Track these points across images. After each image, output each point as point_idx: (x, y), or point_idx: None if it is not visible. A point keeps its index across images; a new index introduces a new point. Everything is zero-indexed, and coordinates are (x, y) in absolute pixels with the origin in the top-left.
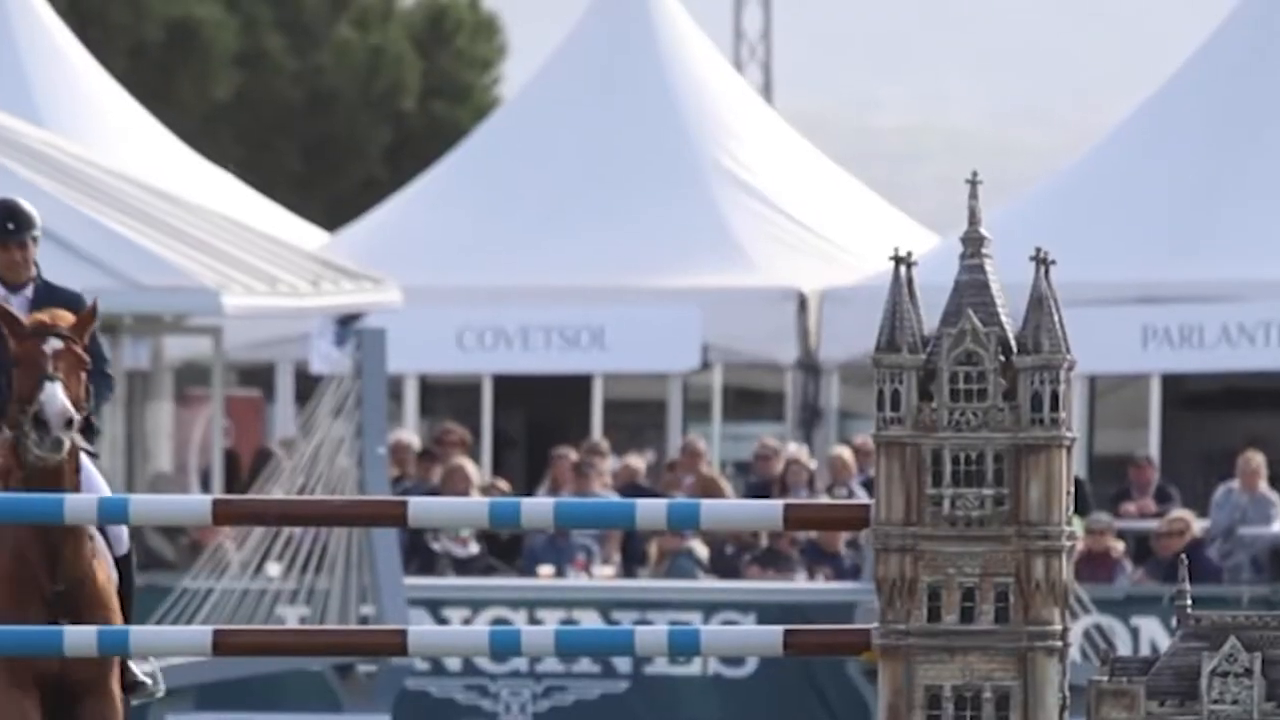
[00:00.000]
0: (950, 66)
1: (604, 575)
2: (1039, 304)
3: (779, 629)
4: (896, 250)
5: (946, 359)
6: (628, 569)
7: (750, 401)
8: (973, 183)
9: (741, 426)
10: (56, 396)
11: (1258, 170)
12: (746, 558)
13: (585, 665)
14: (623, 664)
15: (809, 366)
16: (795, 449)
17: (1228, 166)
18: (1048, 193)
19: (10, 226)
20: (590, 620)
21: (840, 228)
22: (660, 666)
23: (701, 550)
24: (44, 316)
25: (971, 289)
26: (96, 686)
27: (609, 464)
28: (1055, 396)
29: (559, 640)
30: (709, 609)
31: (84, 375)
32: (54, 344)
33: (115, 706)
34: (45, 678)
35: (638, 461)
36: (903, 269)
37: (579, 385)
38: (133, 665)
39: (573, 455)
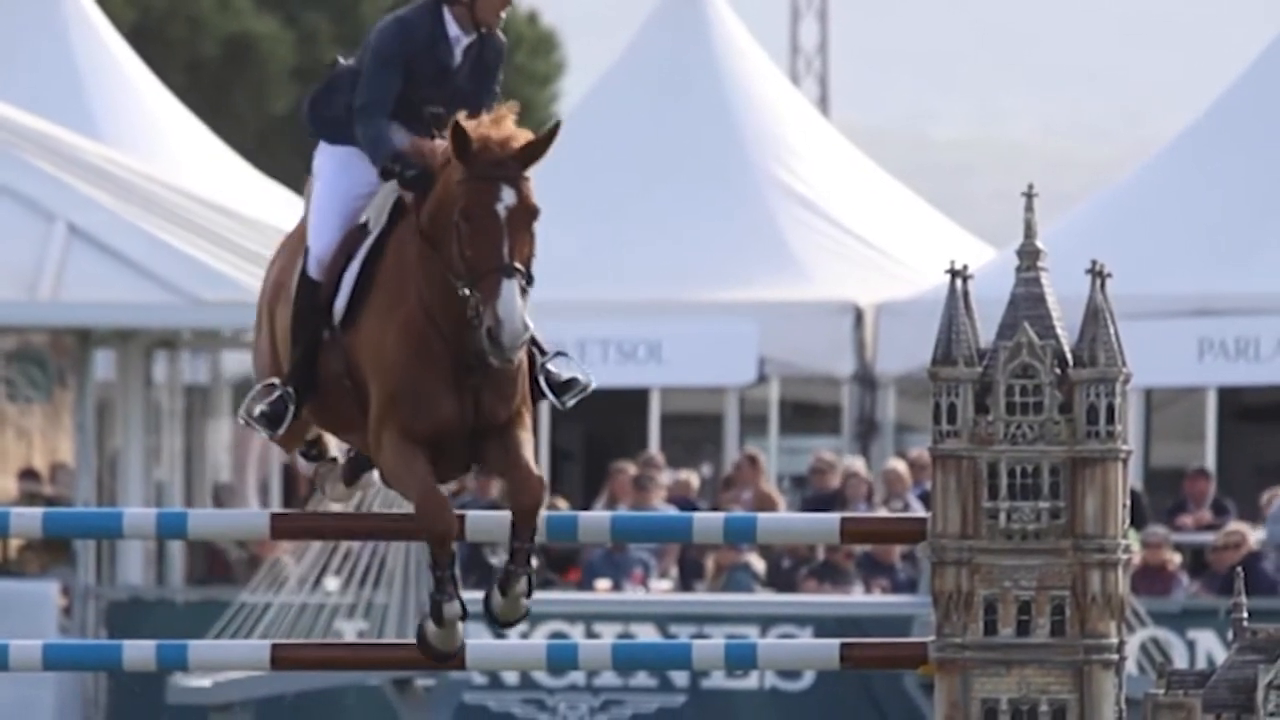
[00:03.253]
0: (1005, 82)
1: (661, 589)
2: (1095, 317)
3: (836, 642)
4: (952, 263)
5: (1003, 372)
6: (685, 583)
7: (807, 415)
8: (1028, 196)
9: (798, 440)
10: (515, 311)
11: None
12: (803, 571)
13: (642, 679)
14: (680, 678)
15: (865, 380)
16: (852, 462)
17: (1278, 182)
18: (1102, 206)
19: None
20: (647, 634)
21: (896, 241)
22: (717, 680)
23: (758, 564)
24: (492, 132)
25: (1027, 302)
26: (511, 423)
27: (666, 478)
28: (1111, 409)
29: (616, 654)
30: (766, 623)
31: (534, 226)
32: (507, 196)
33: (527, 435)
34: (451, 432)
35: (692, 476)
36: (959, 282)
37: (636, 399)
38: (552, 367)
39: (630, 469)
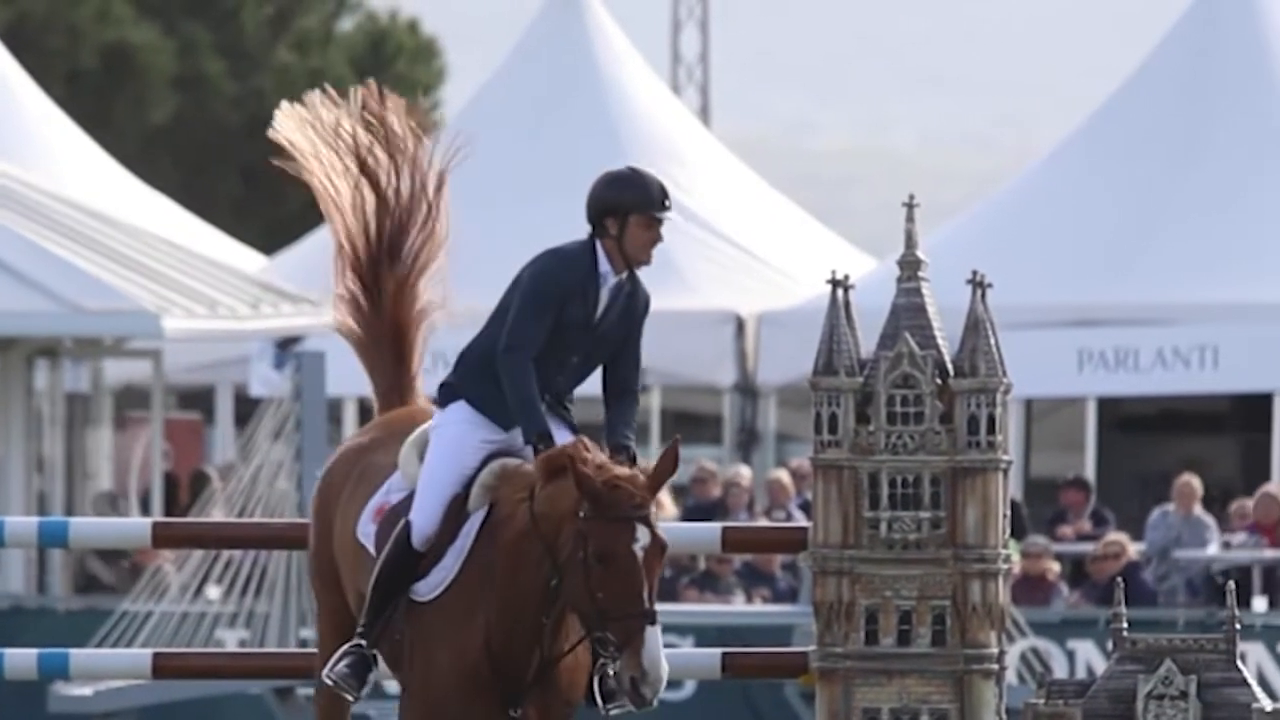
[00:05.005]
0: (886, 92)
1: None
2: (975, 327)
3: (717, 651)
4: (834, 274)
5: (883, 382)
6: None
7: (688, 424)
8: (909, 206)
9: (683, 450)
10: (659, 661)
11: (1191, 194)
12: (684, 580)
13: None
14: None
15: (747, 389)
16: (735, 471)
17: (1161, 190)
18: (983, 217)
19: (666, 203)
20: None
21: (778, 251)
22: None
23: None
24: (623, 481)
25: (908, 312)
26: None
27: None
28: (991, 419)
29: None
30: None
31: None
32: (642, 535)
33: None
34: None
35: None
36: (840, 292)
37: None
38: (609, 671)
39: None
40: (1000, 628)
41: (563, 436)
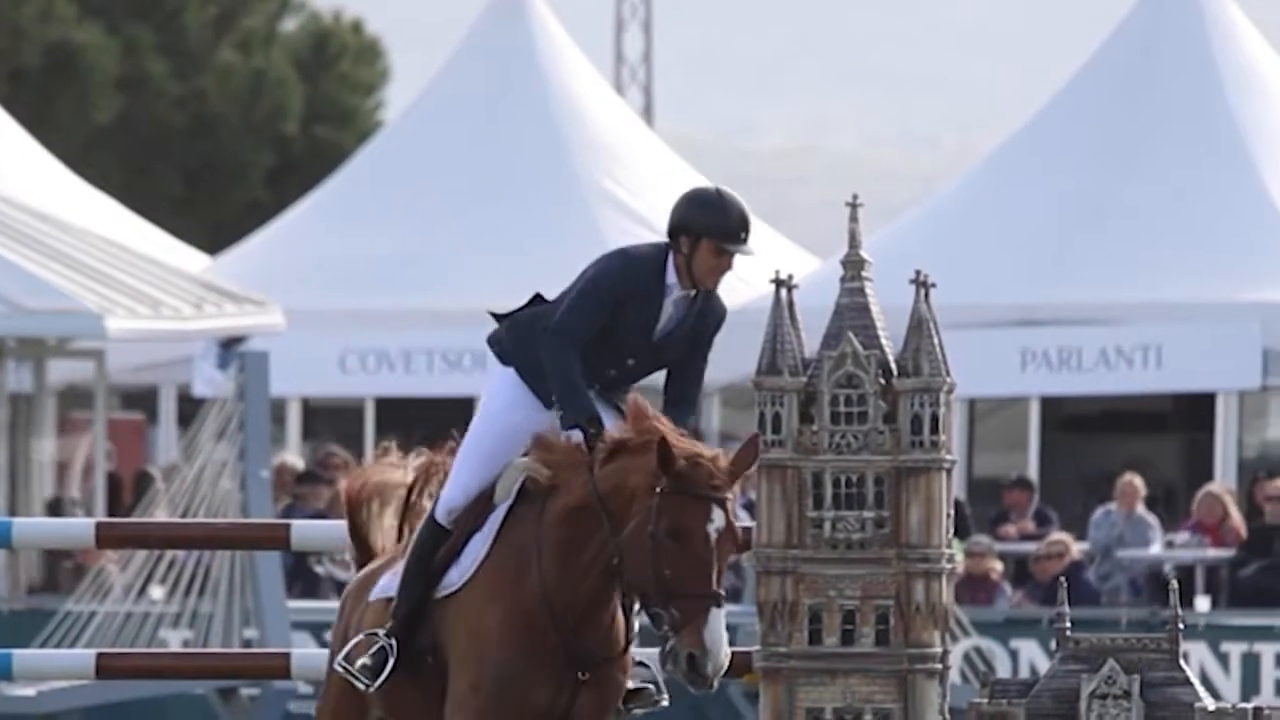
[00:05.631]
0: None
1: None
2: (919, 327)
3: (654, 651)
4: (777, 273)
5: (827, 382)
6: None
7: None
8: (853, 206)
9: None
10: (721, 643)
11: (1133, 194)
12: None
13: None
14: None
15: None
16: None
17: (1104, 190)
18: (927, 216)
19: (743, 235)
20: None
21: None
22: None
23: None
24: (705, 461)
25: (852, 312)
26: None
27: None
28: (935, 419)
29: None
30: None
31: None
32: (717, 518)
33: None
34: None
35: None
36: (783, 292)
37: (462, 408)
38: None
39: None
40: (944, 627)
41: (609, 422)
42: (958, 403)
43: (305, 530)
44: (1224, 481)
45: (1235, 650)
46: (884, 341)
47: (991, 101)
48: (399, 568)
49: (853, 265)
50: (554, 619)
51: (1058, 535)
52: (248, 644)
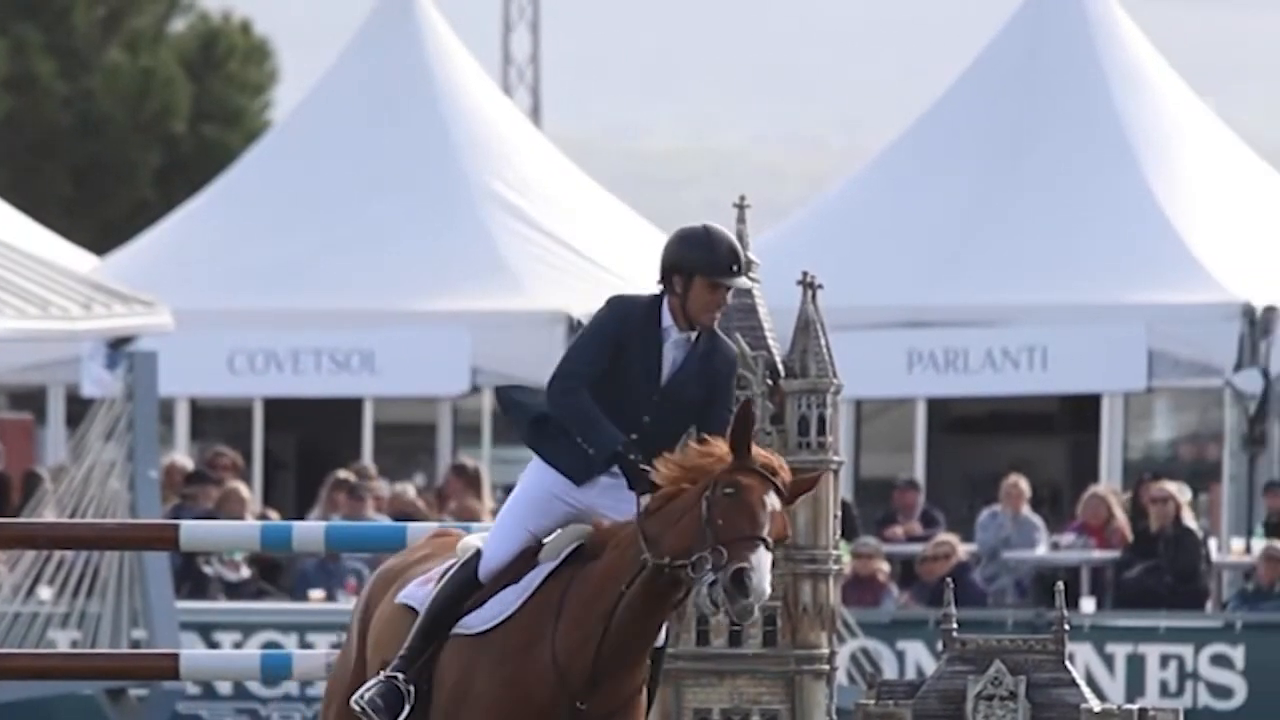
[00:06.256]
0: (717, 92)
1: None
2: (806, 328)
3: None
4: None
5: None
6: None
7: None
8: (740, 207)
9: (511, 450)
10: (767, 572)
11: (1020, 195)
12: None
13: None
14: None
15: None
16: None
17: (991, 192)
18: (814, 217)
19: (735, 269)
20: None
21: (609, 251)
22: None
23: None
24: (775, 461)
25: (739, 313)
26: None
27: (380, 487)
28: (822, 420)
29: (330, 664)
30: None
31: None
32: (772, 500)
33: None
34: None
35: (409, 487)
36: None
37: (350, 408)
38: None
39: (344, 479)
40: (831, 628)
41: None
42: (844, 404)
43: (194, 531)
44: (1109, 483)
45: (1120, 652)
46: (771, 342)
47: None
48: (431, 574)
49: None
50: (561, 682)
51: (944, 536)
52: (136, 644)
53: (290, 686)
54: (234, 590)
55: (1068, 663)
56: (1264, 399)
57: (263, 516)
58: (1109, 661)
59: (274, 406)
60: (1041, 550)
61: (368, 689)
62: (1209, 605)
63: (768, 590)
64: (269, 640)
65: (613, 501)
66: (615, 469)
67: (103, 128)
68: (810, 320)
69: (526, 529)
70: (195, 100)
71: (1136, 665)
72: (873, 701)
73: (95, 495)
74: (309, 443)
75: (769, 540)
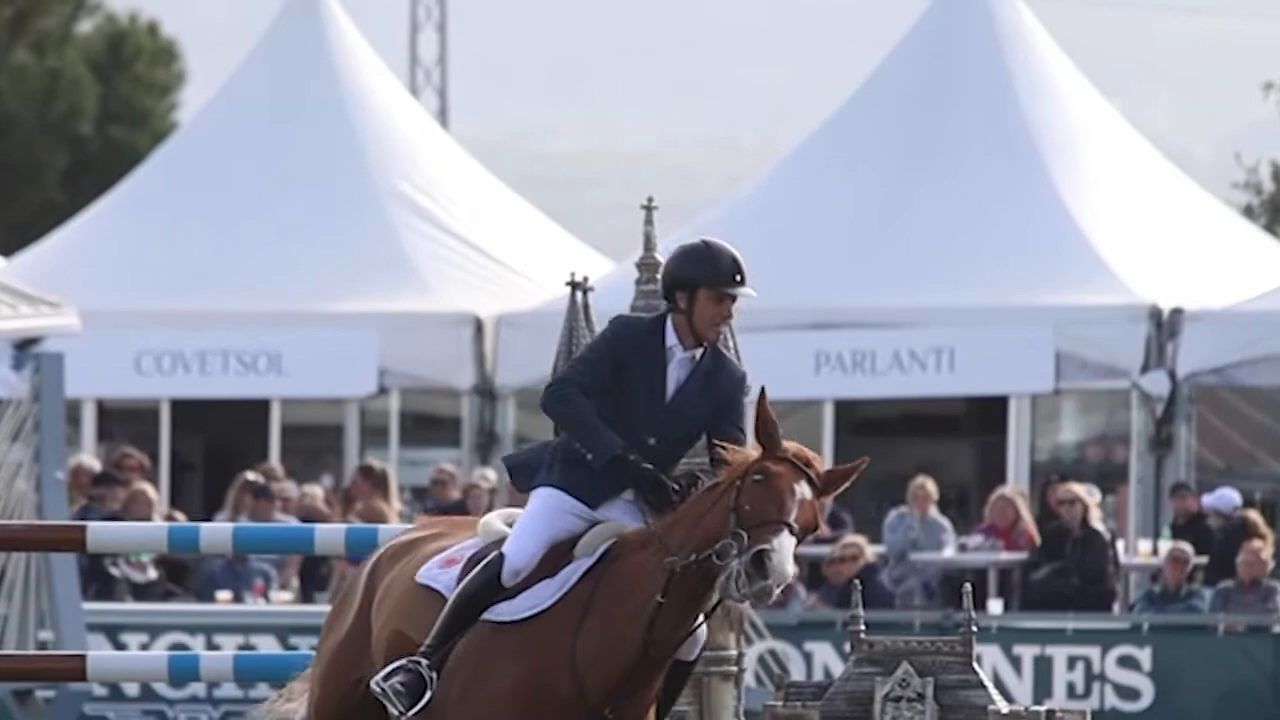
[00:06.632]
0: (625, 94)
1: (282, 601)
2: None
3: None
4: (573, 275)
5: None
6: (306, 594)
7: (427, 427)
8: (647, 209)
9: (418, 452)
10: (788, 555)
11: (929, 198)
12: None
13: (263, 691)
14: None
15: (485, 391)
16: (478, 473)
17: (898, 194)
18: (722, 219)
19: (738, 278)
20: (268, 646)
21: (516, 253)
22: None
23: None
24: (808, 453)
25: (647, 314)
26: None
27: (288, 489)
28: None
29: (237, 666)
30: None
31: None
32: (802, 490)
33: None
34: None
35: (316, 488)
36: (579, 294)
37: (257, 410)
38: None
39: (252, 479)
40: (739, 630)
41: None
42: (753, 406)
43: (101, 532)
44: (1016, 485)
45: (1027, 653)
46: None
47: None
48: (452, 554)
49: (648, 268)
50: (578, 681)
51: (852, 538)
52: (43, 646)
53: (197, 688)
54: (141, 592)
55: (975, 664)
56: (1171, 401)
57: (170, 518)
58: (1016, 663)
59: (181, 408)
60: (949, 552)
61: (390, 672)
62: (1116, 607)
63: (789, 573)
64: (176, 642)
65: (632, 521)
66: (628, 494)
67: (9, 128)
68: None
69: (551, 531)
70: (102, 101)
71: (1044, 667)
72: (781, 703)
73: (1, 496)
74: (216, 444)
75: (794, 526)
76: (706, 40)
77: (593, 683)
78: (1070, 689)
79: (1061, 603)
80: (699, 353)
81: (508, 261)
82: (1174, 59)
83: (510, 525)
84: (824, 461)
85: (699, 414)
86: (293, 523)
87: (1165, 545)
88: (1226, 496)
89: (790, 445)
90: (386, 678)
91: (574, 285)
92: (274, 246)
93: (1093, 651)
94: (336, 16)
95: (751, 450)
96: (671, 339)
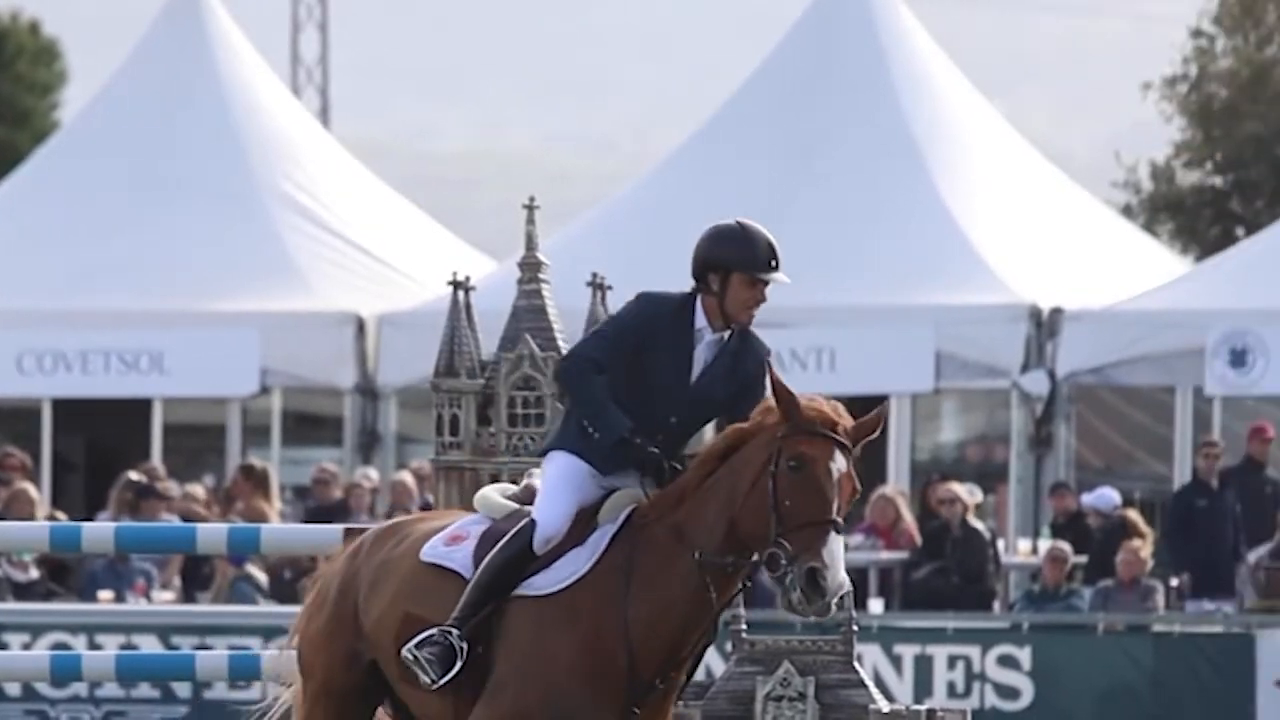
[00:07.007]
0: (506, 94)
1: (164, 600)
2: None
3: None
4: (455, 275)
5: (505, 384)
6: (188, 594)
7: (309, 426)
8: (529, 208)
9: (300, 451)
10: (840, 562)
11: (808, 197)
12: (305, 582)
13: (145, 690)
14: (183, 689)
15: (367, 391)
16: (361, 473)
17: (778, 194)
18: (604, 219)
19: (774, 264)
20: (150, 645)
21: (398, 253)
22: (220, 692)
23: (261, 575)
24: (828, 409)
25: (529, 314)
26: None
27: (170, 488)
28: None
29: (119, 665)
30: (269, 633)
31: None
32: (840, 461)
33: None
34: None
35: (198, 488)
36: (460, 294)
37: (139, 409)
38: None
39: (135, 479)
40: None
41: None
42: None
43: None
44: (897, 484)
45: (908, 652)
46: (561, 343)
47: (667, 104)
48: (456, 532)
49: (530, 267)
50: (629, 653)
51: None
52: None
53: (79, 687)
54: (22, 591)
55: (856, 663)
56: (1050, 400)
57: (51, 518)
58: (897, 662)
59: (63, 407)
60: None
61: (420, 642)
62: (996, 606)
63: (845, 581)
64: (58, 641)
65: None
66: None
67: None
68: (599, 321)
69: (576, 499)
70: None
71: (924, 666)
72: None
73: None
74: (98, 443)
75: (840, 522)
76: (587, 40)
77: (643, 651)
78: (950, 688)
79: (942, 602)
80: (726, 334)
81: (389, 261)
82: (1054, 60)
83: (508, 499)
84: (845, 412)
85: (721, 395)
86: (175, 522)
87: (1045, 544)
88: (1106, 496)
89: (813, 409)
90: (419, 646)
91: (456, 285)
92: (156, 246)
93: (973, 651)
94: (218, 16)
95: (767, 415)
96: (701, 320)
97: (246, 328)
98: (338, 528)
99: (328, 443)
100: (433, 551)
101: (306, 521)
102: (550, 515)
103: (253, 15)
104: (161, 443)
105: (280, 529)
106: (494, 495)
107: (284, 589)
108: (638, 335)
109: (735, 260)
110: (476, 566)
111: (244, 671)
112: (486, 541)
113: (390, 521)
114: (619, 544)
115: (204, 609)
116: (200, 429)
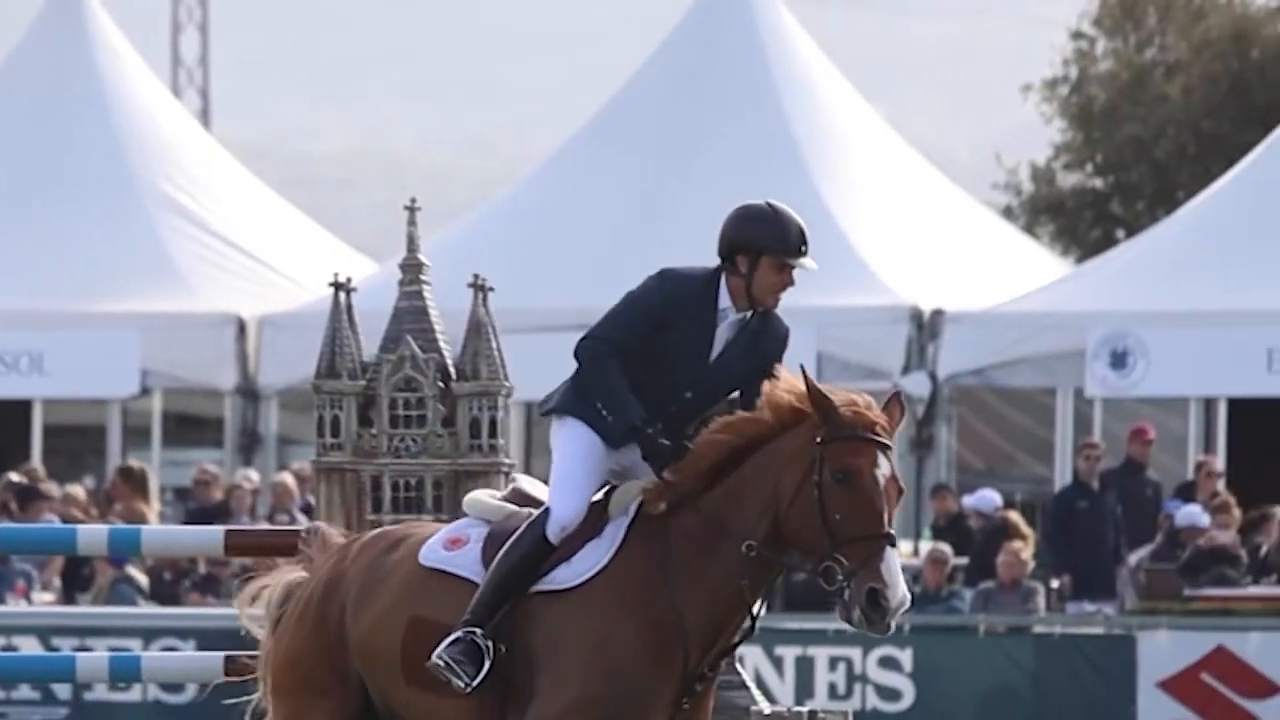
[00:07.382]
0: (385, 95)
1: (44, 601)
2: (477, 330)
3: (219, 655)
4: (335, 276)
5: (386, 385)
6: (68, 595)
7: (190, 427)
8: (410, 210)
9: (181, 452)
10: (899, 578)
11: (689, 199)
12: (185, 584)
13: (25, 692)
14: (63, 690)
15: (248, 392)
16: (241, 474)
17: (660, 194)
18: (485, 220)
19: (803, 249)
20: (30, 647)
21: (279, 254)
22: (100, 693)
23: (141, 577)
24: (862, 407)
25: (410, 315)
26: None
27: (50, 489)
28: (494, 423)
29: None
30: (149, 635)
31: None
32: (884, 467)
33: None
34: None
35: (79, 489)
36: (341, 295)
37: (19, 410)
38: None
39: (16, 480)
40: None
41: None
42: (516, 406)
43: None
44: None
45: (789, 654)
46: (443, 345)
47: (548, 106)
48: (451, 536)
49: (411, 269)
50: (683, 639)
51: None
52: None
53: None
54: None
55: (737, 665)
56: (931, 402)
57: None
58: (778, 663)
59: None
60: None
61: (446, 646)
62: None
63: (905, 596)
64: None
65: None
66: None
67: None
68: (481, 323)
69: (591, 485)
70: None
71: (805, 667)
72: None
73: None
74: None
75: (893, 534)
76: (467, 41)
77: (696, 637)
78: (832, 689)
79: (823, 604)
80: (749, 314)
81: (270, 262)
82: (935, 62)
83: (499, 500)
84: (876, 406)
85: (740, 374)
86: (55, 524)
87: (926, 546)
88: (987, 497)
89: (850, 411)
90: (444, 651)
91: (337, 286)
92: (35, 247)
93: (854, 652)
94: (98, 16)
95: (794, 401)
96: (725, 301)
97: (127, 329)
98: (218, 529)
99: (208, 444)
100: (433, 556)
101: (187, 523)
102: (565, 504)
103: (133, 16)
104: (42, 444)
105: (161, 530)
106: (486, 498)
107: (164, 590)
108: (661, 314)
109: (766, 243)
110: (486, 568)
111: (124, 673)
112: (493, 542)
113: (364, 536)
114: (638, 534)
115: (84, 610)
116: (80, 430)
